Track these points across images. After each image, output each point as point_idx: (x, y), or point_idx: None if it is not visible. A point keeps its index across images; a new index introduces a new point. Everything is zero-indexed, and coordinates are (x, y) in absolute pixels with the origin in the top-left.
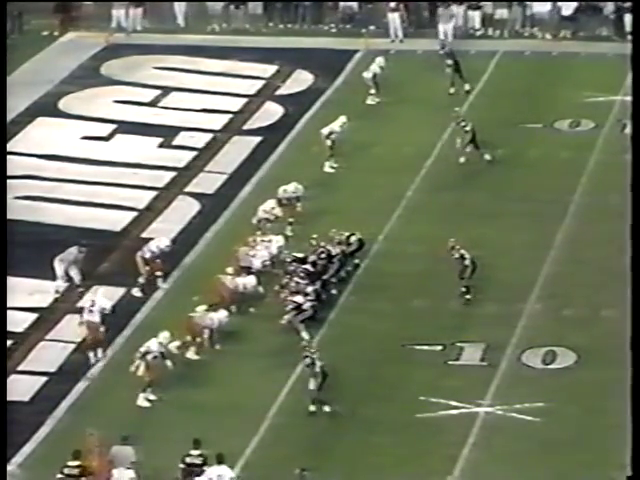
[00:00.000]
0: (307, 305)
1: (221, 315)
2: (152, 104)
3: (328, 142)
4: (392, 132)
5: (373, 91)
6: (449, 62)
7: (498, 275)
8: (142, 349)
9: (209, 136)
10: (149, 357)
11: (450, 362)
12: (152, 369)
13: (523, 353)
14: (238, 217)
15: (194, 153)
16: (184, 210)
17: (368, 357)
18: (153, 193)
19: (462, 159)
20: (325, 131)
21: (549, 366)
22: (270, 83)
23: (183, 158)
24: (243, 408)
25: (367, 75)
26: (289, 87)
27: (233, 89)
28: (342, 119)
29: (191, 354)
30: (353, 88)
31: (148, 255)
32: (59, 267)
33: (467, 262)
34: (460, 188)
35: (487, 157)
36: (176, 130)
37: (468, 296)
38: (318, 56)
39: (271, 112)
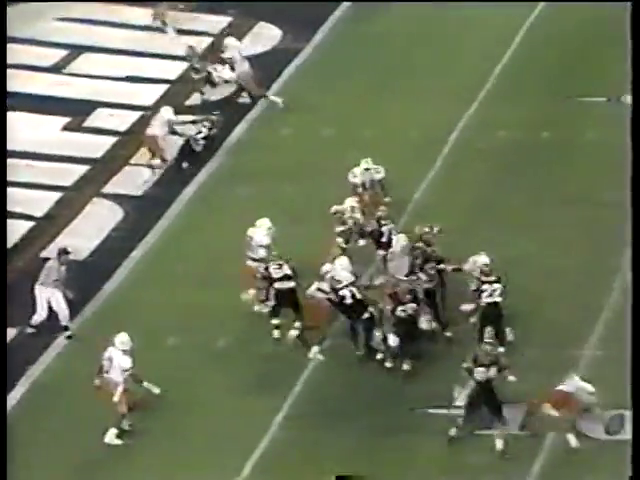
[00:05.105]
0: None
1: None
2: (55, 69)
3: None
4: (395, 110)
5: None
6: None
7: (543, 309)
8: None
9: (136, 114)
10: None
11: (477, 431)
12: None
13: (580, 418)
14: (177, 229)
15: (115, 139)
16: (100, 219)
17: (366, 422)
18: (56, 195)
19: None
20: (356, 180)
21: (616, 436)
22: (221, 41)
23: (99, 146)
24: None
25: None
26: (248, 47)
27: (169, 49)
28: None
29: None
30: (338, 48)
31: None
32: (41, 295)
33: (496, 294)
34: (487, 186)
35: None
36: (89, 106)
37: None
38: (289, 4)
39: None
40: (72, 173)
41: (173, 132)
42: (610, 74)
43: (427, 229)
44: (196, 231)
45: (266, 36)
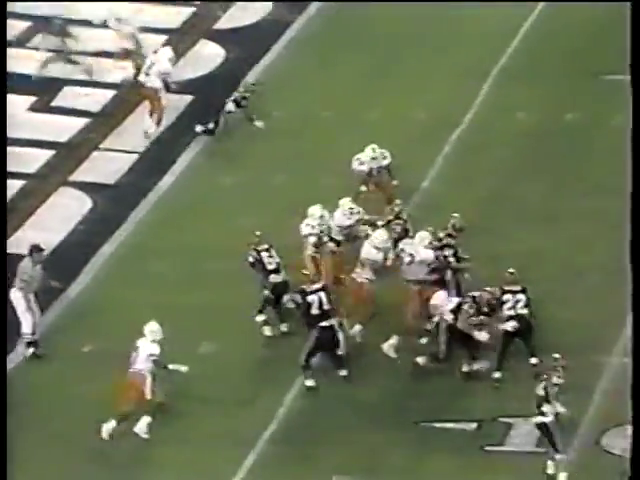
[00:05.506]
0: None
1: None
2: (19, 43)
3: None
4: (400, 90)
5: None
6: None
7: (563, 312)
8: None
9: (110, 93)
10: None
11: (489, 447)
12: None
13: (604, 434)
14: (153, 222)
15: (85, 120)
16: (67, 210)
17: (364, 436)
18: (18, 183)
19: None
20: (363, 167)
21: None
22: (205, 12)
23: (67, 128)
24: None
25: None
26: (234, 18)
27: (147, 21)
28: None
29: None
30: (336, 20)
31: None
32: (20, 300)
33: (519, 306)
34: (502, 174)
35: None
36: (57, 83)
37: (534, 360)
38: None
39: (206, 56)
40: (36, 159)
41: (167, 87)
42: None
43: (450, 226)
44: (174, 224)
45: (255, 6)
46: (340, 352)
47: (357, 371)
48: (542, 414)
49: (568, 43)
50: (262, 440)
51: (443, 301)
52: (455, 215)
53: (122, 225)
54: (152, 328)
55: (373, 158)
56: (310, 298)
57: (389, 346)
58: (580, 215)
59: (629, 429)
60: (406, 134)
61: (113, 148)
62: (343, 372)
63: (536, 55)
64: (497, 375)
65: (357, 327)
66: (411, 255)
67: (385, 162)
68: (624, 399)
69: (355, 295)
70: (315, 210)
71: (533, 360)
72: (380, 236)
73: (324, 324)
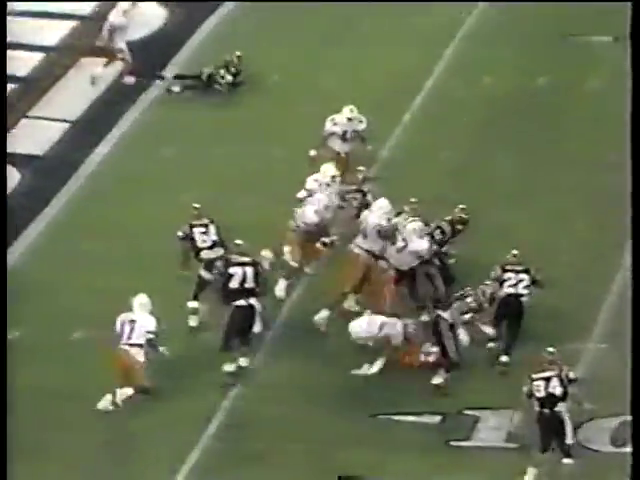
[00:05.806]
0: None
1: None
2: None
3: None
4: (355, 54)
5: None
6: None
7: (536, 296)
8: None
9: (38, 56)
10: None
11: (454, 442)
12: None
13: (581, 427)
14: (86, 197)
15: (11, 86)
16: None
17: (318, 431)
18: None
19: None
20: (337, 129)
21: (623, 449)
22: None
23: None
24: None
25: None
26: None
27: None
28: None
29: None
30: None
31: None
32: None
33: (521, 286)
34: (468, 144)
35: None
36: None
37: (505, 358)
38: None
39: (145, 18)
40: None
41: (110, 39)
42: (619, 9)
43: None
44: (109, 200)
45: None
46: (250, 336)
47: (312, 359)
48: (554, 413)
49: (536, 3)
50: (206, 436)
51: (364, 330)
52: (461, 206)
53: (52, 200)
54: (142, 300)
55: (349, 119)
56: (233, 270)
57: (320, 319)
58: (554, 190)
59: (607, 422)
60: (363, 101)
61: (42, 116)
62: (243, 362)
63: (502, 16)
64: (491, 344)
65: (324, 312)
66: (404, 240)
67: (361, 126)
68: (601, 390)
69: (351, 268)
70: (328, 168)
71: (504, 358)
72: (384, 206)
73: (240, 303)
